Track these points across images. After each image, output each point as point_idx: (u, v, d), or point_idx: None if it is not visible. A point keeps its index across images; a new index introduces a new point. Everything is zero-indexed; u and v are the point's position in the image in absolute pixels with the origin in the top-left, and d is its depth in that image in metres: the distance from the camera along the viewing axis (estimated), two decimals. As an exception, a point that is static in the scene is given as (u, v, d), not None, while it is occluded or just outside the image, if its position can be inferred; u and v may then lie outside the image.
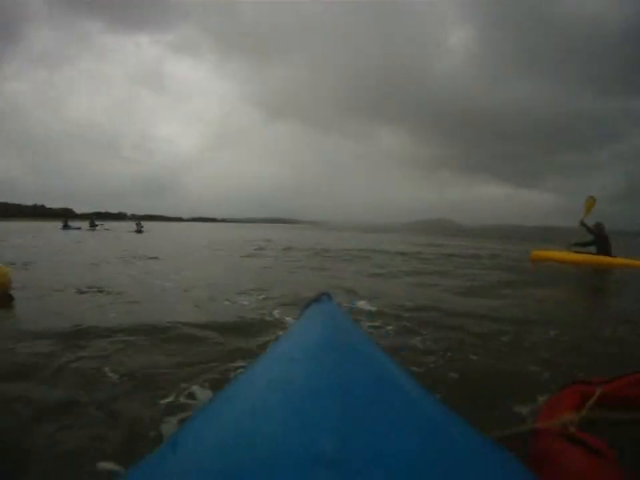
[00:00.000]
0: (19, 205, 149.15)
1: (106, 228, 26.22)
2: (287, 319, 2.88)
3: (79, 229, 25.65)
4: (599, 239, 7.09)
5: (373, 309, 3.31)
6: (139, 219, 34.00)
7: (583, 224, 7.31)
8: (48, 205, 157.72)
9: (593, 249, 7.19)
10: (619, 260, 6.90)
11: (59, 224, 27.91)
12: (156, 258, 7.76)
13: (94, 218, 32.93)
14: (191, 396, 1.60)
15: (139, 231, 22.48)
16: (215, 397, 0.48)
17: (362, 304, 3.49)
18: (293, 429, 0.33)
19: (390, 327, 2.73)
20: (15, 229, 26.34)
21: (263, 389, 0.42)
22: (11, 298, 3.57)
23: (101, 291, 3.99)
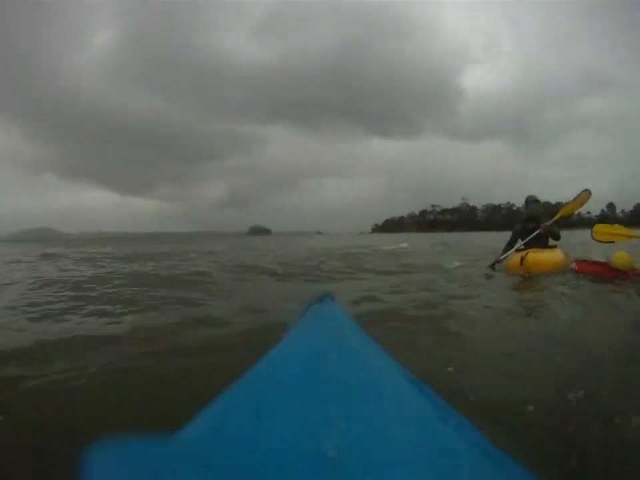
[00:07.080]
0: None
1: None
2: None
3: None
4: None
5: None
6: None
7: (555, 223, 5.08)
8: None
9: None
10: None
11: None
12: None
13: None
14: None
15: None
16: (216, 398, 0.48)
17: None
18: (294, 431, 0.32)
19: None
20: None
21: (264, 390, 0.42)
22: None
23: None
